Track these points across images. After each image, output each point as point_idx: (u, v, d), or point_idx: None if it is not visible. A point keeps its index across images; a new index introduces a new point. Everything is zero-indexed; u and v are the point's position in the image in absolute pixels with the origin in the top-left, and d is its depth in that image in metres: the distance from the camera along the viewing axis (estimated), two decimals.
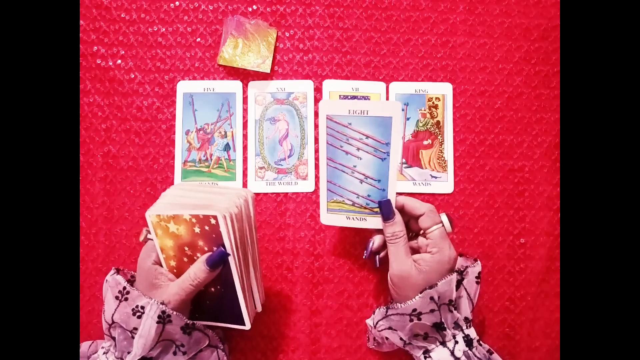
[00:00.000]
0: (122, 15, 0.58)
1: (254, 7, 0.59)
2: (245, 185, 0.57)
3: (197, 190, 0.46)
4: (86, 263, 0.56)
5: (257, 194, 0.58)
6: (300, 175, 0.58)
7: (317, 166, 0.58)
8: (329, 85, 0.59)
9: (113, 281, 0.45)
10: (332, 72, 0.59)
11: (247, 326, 0.46)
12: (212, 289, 0.45)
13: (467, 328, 0.46)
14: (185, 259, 0.44)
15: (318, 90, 0.59)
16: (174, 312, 0.42)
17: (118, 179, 0.57)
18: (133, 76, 0.58)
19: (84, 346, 0.49)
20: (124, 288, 0.44)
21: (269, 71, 0.58)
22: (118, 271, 0.46)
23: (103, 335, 0.54)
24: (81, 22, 0.58)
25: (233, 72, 0.59)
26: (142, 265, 0.45)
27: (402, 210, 0.48)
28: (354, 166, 0.49)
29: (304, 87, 0.59)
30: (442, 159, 0.59)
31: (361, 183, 0.49)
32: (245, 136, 0.58)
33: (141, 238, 0.47)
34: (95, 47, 0.58)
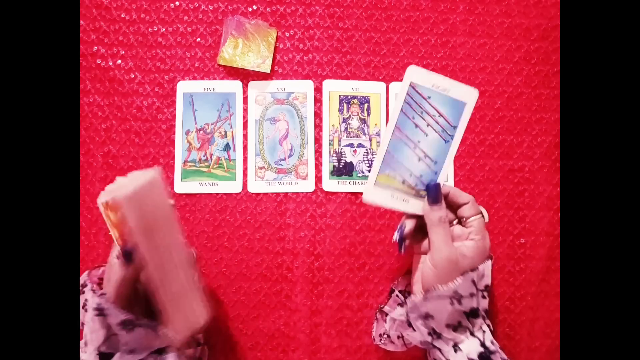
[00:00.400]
0: (122, 15, 0.58)
1: (254, 7, 0.59)
2: (245, 185, 0.58)
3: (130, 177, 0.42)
4: (86, 263, 0.56)
5: (257, 194, 0.58)
6: (300, 175, 0.58)
7: (317, 166, 0.58)
8: (329, 85, 0.59)
9: (81, 279, 0.46)
10: (332, 72, 0.59)
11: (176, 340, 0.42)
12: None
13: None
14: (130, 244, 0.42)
15: (318, 90, 0.59)
16: (109, 306, 0.41)
17: None
18: (133, 76, 0.58)
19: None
20: (84, 282, 0.45)
21: (269, 71, 0.58)
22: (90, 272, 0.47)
23: None
24: (81, 22, 0.58)
25: (233, 72, 0.59)
26: (108, 260, 0.45)
27: (446, 197, 0.47)
28: (418, 142, 0.47)
29: (304, 87, 0.59)
30: None
31: (419, 161, 0.47)
32: (245, 136, 0.58)
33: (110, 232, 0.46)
34: (95, 47, 0.58)
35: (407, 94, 0.47)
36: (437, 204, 0.46)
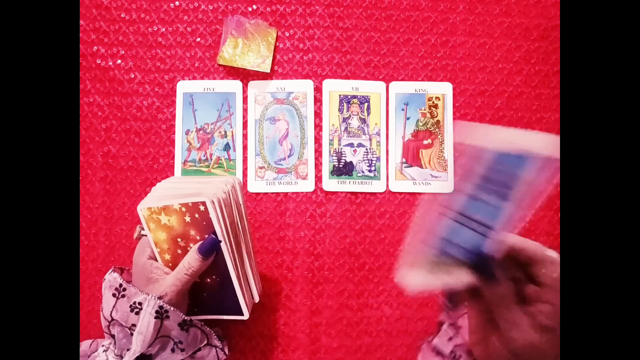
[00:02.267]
0: (122, 15, 0.58)
1: (254, 7, 0.59)
2: (245, 185, 0.57)
3: (186, 181, 0.47)
4: (86, 263, 0.56)
5: (257, 194, 0.58)
6: (300, 175, 0.58)
7: (316, 166, 0.58)
8: (329, 84, 0.59)
9: (110, 279, 0.45)
10: (332, 71, 0.59)
11: (246, 316, 0.46)
12: (209, 280, 0.45)
13: None
14: (179, 251, 0.44)
15: (318, 90, 0.59)
16: (172, 308, 0.42)
17: (118, 179, 0.57)
18: (133, 76, 0.58)
19: (85, 345, 0.49)
20: (120, 285, 0.44)
21: (268, 71, 0.58)
22: (117, 270, 0.46)
23: (102, 335, 0.54)
24: (81, 22, 0.58)
25: (233, 72, 0.59)
26: (137, 262, 0.45)
27: (510, 255, 0.37)
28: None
29: (304, 87, 0.59)
30: (442, 158, 0.59)
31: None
32: (245, 136, 0.58)
33: (135, 235, 0.47)
34: (95, 47, 0.58)
35: None
36: (492, 280, 0.35)
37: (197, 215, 0.42)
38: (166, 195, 0.44)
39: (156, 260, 0.45)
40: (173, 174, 0.57)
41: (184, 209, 0.42)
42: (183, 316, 0.43)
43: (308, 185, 0.58)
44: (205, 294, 0.46)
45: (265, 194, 0.58)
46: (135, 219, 0.57)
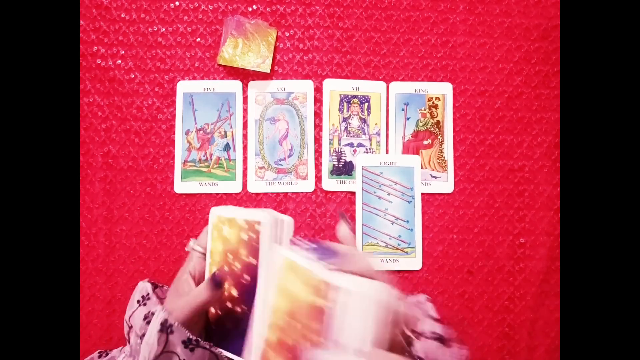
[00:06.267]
0: (122, 15, 0.58)
1: (254, 7, 0.59)
2: (245, 185, 0.57)
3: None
4: (86, 263, 0.56)
5: (256, 194, 0.58)
6: (300, 175, 0.58)
7: (316, 166, 0.58)
8: (329, 84, 0.59)
9: (141, 287, 0.45)
10: (332, 71, 0.59)
11: None
12: (239, 309, 0.42)
13: None
14: (226, 268, 0.43)
15: (318, 90, 0.59)
16: (176, 324, 0.41)
17: (118, 179, 0.57)
18: (133, 76, 0.58)
19: (115, 351, 0.49)
20: (147, 294, 0.44)
21: (268, 71, 0.58)
22: (152, 282, 0.46)
23: (102, 335, 0.54)
24: (81, 22, 0.58)
25: (233, 72, 0.59)
26: (178, 275, 0.45)
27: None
28: (386, 209, 0.56)
29: (304, 87, 0.59)
30: (442, 158, 0.59)
31: (392, 224, 0.56)
32: (245, 136, 0.58)
33: (187, 247, 0.46)
34: (95, 47, 0.58)
35: (363, 176, 0.57)
36: None
37: (252, 235, 0.41)
38: (238, 209, 0.43)
39: (194, 277, 0.44)
40: (173, 174, 0.57)
41: (245, 226, 0.41)
42: (188, 334, 0.41)
43: (308, 186, 0.58)
44: (228, 324, 0.43)
45: (265, 194, 0.58)
46: (135, 219, 0.57)
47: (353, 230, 0.42)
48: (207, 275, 0.44)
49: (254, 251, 0.40)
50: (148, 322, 0.42)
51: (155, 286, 0.46)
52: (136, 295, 0.45)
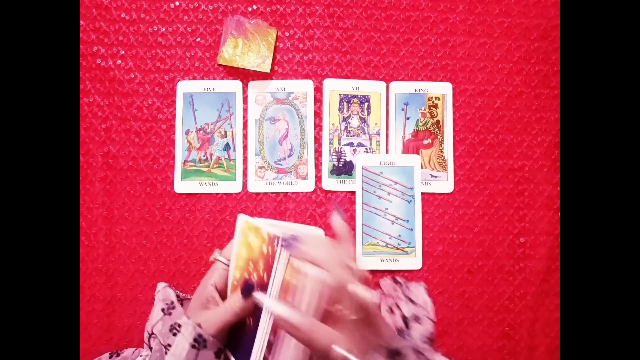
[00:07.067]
0: (122, 15, 0.58)
1: (254, 7, 0.59)
2: (245, 185, 0.57)
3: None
4: (86, 263, 0.56)
5: (256, 194, 0.58)
6: (300, 175, 0.58)
7: (316, 166, 0.58)
8: (329, 84, 0.59)
9: (164, 293, 0.45)
10: (332, 71, 0.59)
11: None
12: (248, 321, 0.41)
13: None
14: (246, 274, 0.42)
15: (318, 90, 0.59)
16: (211, 339, 0.40)
17: (118, 179, 0.57)
18: (133, 76, 0.58)
19: (128, 351, 0.49)
20: (172, 302, 0.44)
21: (268, 71, 0.58)
22: (172, 288, 0.46)
23: (102, 335, 0.54)
24: (81, 22, 0.58)
25: (233, 72, 0.59)
26: (202, 284, 0.44)
27: None
28: (386, 209, 0.57)
29: (303, 87, 0.59)
30: (442, 158, 0.59)
31: (392, 224, 0.57)
32: (245, 136, 0.58)
33: (211, 258, 0.46)
34: (95, 47, 0.58)
35: (363, 175, 0.57)
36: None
37: (270, 250, 0.39)
38: (265, 220, 0.43)
39: (217, 288, 0.44)
40: (173, 174, 0.57)
41: (267, 239, 0.40)
42: (219, 345, 0.41)
43: (308, 185, 0.58)
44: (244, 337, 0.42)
45: (265, 193, 0.58)
46: (135, 219, 0.57)
47: (346, 220, 0.42)
48: (230, 280, 0.44)
49: (269, 268, 0.39)
50: (174, 334, 0.41)
51: (177, 295, 0.46)
52: (159, 302, 0.44)
